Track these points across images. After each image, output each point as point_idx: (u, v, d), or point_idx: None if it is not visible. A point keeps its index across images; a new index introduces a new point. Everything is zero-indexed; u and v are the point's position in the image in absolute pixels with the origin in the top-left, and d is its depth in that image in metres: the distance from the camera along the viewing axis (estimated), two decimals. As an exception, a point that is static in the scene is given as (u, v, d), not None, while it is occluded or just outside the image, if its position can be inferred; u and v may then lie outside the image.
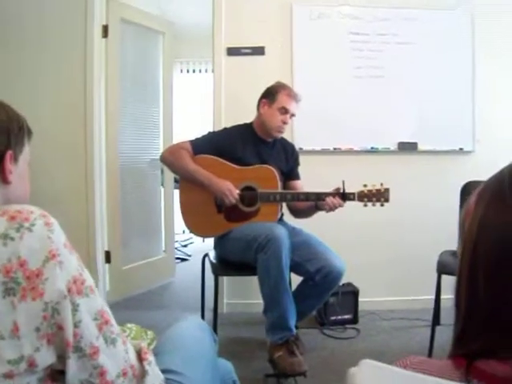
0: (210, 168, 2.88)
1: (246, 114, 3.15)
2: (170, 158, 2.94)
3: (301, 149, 3.66)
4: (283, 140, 3.15)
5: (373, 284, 3.82)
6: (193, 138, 3.02)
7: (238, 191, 2.84)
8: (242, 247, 2.74)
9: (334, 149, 3.79)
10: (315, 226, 3.08)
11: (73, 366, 0.97)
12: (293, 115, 3.00)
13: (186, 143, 2.93)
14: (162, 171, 4.50)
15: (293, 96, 2.97)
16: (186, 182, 2.94)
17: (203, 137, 3.03)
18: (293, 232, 2.86)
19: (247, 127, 3.08)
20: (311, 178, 3.15)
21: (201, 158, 2.92)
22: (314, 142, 3.77)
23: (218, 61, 3.77)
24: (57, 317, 0.94)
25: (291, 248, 2.65)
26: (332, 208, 2.74)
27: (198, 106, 6.95)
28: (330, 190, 2.78)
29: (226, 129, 3.13)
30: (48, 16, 3.70)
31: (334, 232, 3.48)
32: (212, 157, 2.92)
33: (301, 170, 3.24)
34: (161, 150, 3.94)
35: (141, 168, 4.39)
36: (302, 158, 3.27)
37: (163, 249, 4.66)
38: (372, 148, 3.81)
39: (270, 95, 2.99)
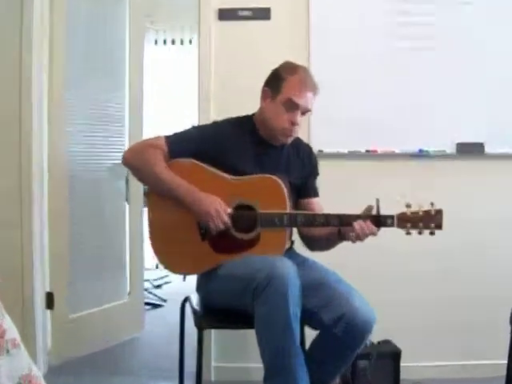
0: (192, 178, 2.83)
1: (244, 103, 3.09)
2: (136, 161, 2.89)
3: (320, 151, 3.65)
4: (297, 140, 3.08)
5: (420, 344, 3.76)
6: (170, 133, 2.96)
7: (229, 210, 2.81)
8: (234, 289, 2.71)
9: (367, 151, 3.80)
10: (336, 259, 3.04)
11: None
12: (306, 112, 2.94)
13: (161, 140, 2.88)
14: (127, 181, 4.46)
15: (306, 84, 2.88)
16: (158, 196, 2.90)
17: (184, 133, 2.99)
18: (304, 266, 2.84)
19: (246, 123, 3.04)
20: (333, 194, 3.13)
21: (180, 164, 2.88)
22: (337, 142, 3.77)
23: (206, 27, 3.76)
24: None
25: (301, 290, 2.58)
26: (361, 236, 2.69)
27: (178, 91, 6.95)
28: (358, 211, 2.73)
29: (216, 123, 3.10)
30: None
31: (363, 269, 3.51)
32: (196, 162, 2.88)
33: (320, 181, 3.18)
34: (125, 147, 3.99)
35: (98, 177, 4.38)
36: (321, 165, 3.21)
37: (128, 291, 4.61)
38: (420, 151, 3.80)
39: (274, 82, 2.93)
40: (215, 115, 3.42)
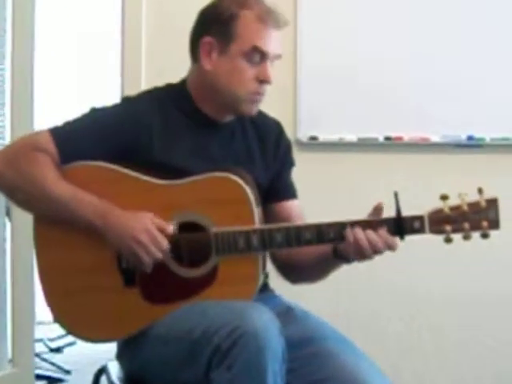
0: (100, 190, 2.37)
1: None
2: (13, 177, 2.39)
3: (314, 139, 3.53)
4: (257, 115, 2.59)
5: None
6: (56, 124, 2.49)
7: (171, 226, 2.32)
8: (177, 357, 2.20)
9: (387, 139, 3.54)
10: (331, 298, 3.07)
11: None
12: (276, 59, 2.44)
13: (44, 137, 2.38)
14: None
15: (271, 18, 2.40)
16: (51, 224, 2.39)
17: (80, 123, 2.47)
18: (287, 318, 2.37)
19: (176, 94, 2.58)
20: (335, 203, 3.07)
21: (78, 171, 2.41)
22: (341, 125, 3.56)
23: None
24: None
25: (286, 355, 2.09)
26: (369, 253, 2.23)
27: (90, 51, 6.39)
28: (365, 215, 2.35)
29: (128, 101, 2.62)
30: None
31: (378, 314, 3.42)
32: (103, 165, 2.40)
33: (316, 182, 3.22)
34: (7, 142, 3.62)
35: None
36: (316, 159, 3.26)
37: (9, 358, 3.93)
38: (470, 139, 3.53)
39: (218, 26, 2.45)
40: (147, 86, 2.84)
